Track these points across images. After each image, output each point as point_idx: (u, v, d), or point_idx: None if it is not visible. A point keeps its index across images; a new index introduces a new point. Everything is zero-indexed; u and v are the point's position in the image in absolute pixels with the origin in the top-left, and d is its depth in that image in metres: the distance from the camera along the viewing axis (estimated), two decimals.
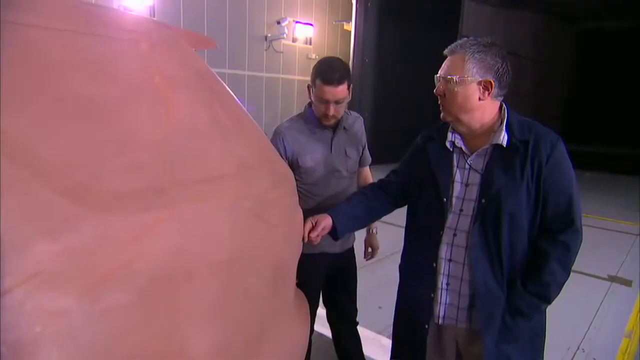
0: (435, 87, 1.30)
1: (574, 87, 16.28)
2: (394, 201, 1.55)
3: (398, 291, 1.52)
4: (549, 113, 15.35)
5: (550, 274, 1.22)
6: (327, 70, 1.63)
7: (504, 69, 1.22)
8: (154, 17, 6.77)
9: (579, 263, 4.60)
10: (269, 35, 9.07)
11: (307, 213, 1.81)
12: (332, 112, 1.66)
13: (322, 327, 2.10)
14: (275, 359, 1.20)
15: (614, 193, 7.47)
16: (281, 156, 1.77)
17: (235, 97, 1.23)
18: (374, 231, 2.04)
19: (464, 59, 1.20)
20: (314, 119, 1.76)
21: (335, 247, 1.86)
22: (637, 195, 6.97)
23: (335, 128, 1.78)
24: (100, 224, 0.75)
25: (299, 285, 1.89)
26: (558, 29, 14.45)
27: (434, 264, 1.33)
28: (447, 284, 1.32)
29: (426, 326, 1.37)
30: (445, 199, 1.30)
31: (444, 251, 1.32)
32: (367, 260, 2.07)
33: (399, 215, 1.68)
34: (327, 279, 1.94)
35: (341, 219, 1.47)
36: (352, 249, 1.97)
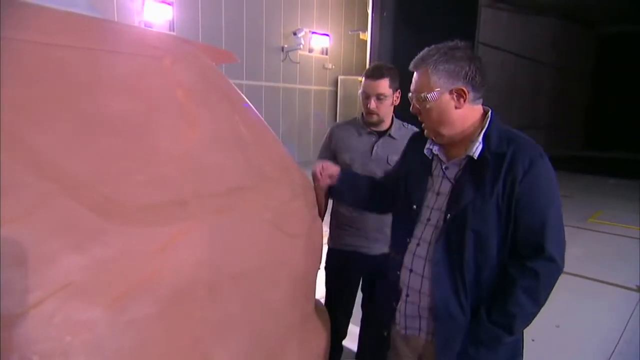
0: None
1: (595, 93, 15.94)
2: (388, 203, 1.48)
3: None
4: (571, 119, 15.06)
5: (516, 304, 1.11)
6: (371, 68, 1.82)
7: (472, 71, 1.14)
8: (173, 30, 6.94)
9: (606, 273, 4.42)
10: (286, 46, 9.18)
11: (343, 212, 1.86)
12: (372, 105, 1.77)
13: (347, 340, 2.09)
14: None
15: None
16: (328, 149, 1.91)
17: (255, 109, 1.25)
18: None
19: (428, 73, 1.15)
20: (363, 123, 1.89)
21: (367, 249, 1.87)
22: None
23: (381, 134, 1.86)
24: (125, 236, 0.77)
25: (339, 288, 1.90)
26: (577, 33, 14.22)
27: (398, 272, 1.29)
28: (407, 295, 1.26)
29: (385, 334, 1.33)
30: (415, 206, 1.25)
31: (407, 260, 1.27)
32: None
33: None
34: (365, 278, 1.99)
35: (345, 181, 1.47)
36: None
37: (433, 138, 1.25)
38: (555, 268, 1.13)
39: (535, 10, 11.49)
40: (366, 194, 1.51)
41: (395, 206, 1.39)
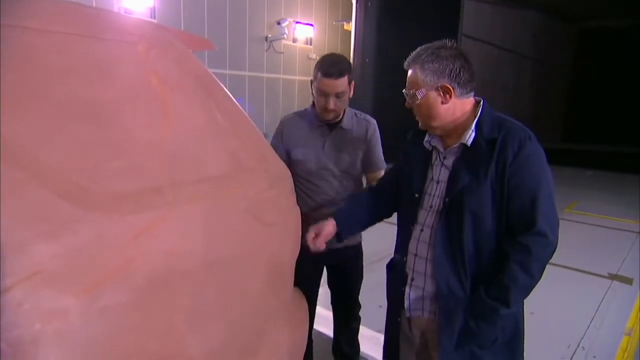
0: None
1: (575, 86, 16.24)
2: (391, 202, 1.55)
3: None
4: (550, 112, 15.34)
5: (510, 277, 1.17)
6: (328, 64, 1.69)
7: (457, 68, 1.21)
8: (154, 18, 6.80)
9: (579, 261, 4.52)
10: (270, 35, 9.08)
11: (305, 205, 1.82)
12: (332, 105, 1.71)
13: (320, 325, 2.11)
14: (273, 359, 1.21)
15: (615, 191, 7.45)
16: (280, 145, 1.84)
17: (233, 98, 1.24)
18: None
19: (417, 72, 1.23)
20: (314, 115, 1.82)
21: (334, 243, 1.87)
22: (638, 193, 6.95)
23: (332, 127, 1.81)
24: (98, 224, 0.76)
25: (299, 279, 1.92)
26: (559, 27, 14.42)
27: (405, 259, 1.36)
28: (412, 279, 1.34)
29: (399, 319, 1.40)
30: (416, 195, 1.33)
31: (412, 246, 1.34)
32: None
33: None
34: (330, 274, 1.99)
35: (344, 223, 1.51)
36: (356, 247, 1.98)
37: (425, 130, 1.33)
38: (547, 242, 1.18)
39: (517, 4, 11.61)
40: (373, 212, 1.55)
41: (400, 197, 1.45)
